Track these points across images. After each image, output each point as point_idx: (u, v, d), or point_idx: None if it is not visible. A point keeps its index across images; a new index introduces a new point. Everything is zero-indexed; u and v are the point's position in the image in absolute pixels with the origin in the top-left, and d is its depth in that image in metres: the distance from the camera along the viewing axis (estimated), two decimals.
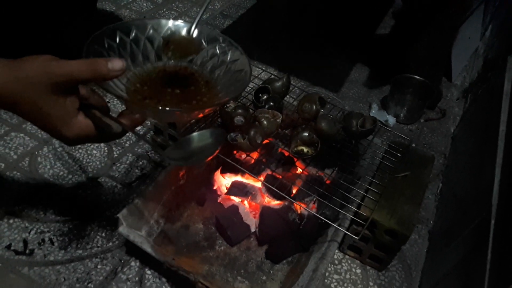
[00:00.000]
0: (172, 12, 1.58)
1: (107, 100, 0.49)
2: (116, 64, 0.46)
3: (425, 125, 1.27)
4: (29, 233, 0.83)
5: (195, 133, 0.55)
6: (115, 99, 1.13)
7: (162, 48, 0.61)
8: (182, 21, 0.60)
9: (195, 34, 0.61)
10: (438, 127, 1.26)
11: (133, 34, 0.58)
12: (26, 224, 0.85)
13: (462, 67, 1.47)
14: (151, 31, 0.59)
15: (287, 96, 1.01)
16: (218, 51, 0.60)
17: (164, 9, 1.59)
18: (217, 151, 0.56)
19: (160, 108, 0.51)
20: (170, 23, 0.60)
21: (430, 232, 0.96)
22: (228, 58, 0.59)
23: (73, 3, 1.04)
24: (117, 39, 0.56)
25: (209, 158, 0.59)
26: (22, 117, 0.46)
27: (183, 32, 0.62)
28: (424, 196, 1.02)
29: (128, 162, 1.01)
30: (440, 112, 1.31)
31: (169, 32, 0.60)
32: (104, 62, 0.45)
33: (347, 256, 0.89)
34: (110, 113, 0.51)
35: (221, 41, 0.60)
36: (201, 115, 0.62)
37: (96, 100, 0.51)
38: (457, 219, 0.88)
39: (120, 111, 0.53)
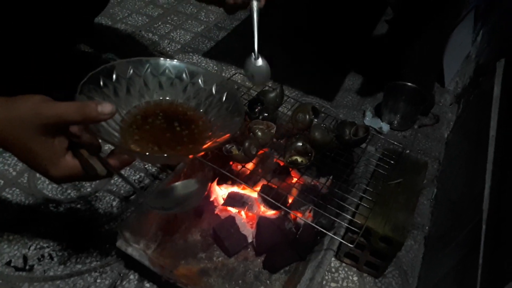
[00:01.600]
0: (167, 25, 1.60)
1: None
2: (106, 108, 0.47)
3: (419, 131, 1.28)
4: (29, 249, 0.84)
5: (178, 183, 0.57)
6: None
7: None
8: (176, 60, 0.62)
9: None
10: (432, 132, 1.28)
11: (130, 72, 0.59)
12: (26, 240, 0.86)
13: (455, 72, 1.49)
14: (148, 70, 0.61)
15: (281, 106, 1.03)
16: (214, 92, 0.62)
17: (159, 23, 1.61)
18: (202, 197, 0.57)
19: (147, 154, 0.52)
20: (168, 63, 0.62)
21: (426, 238, 0.97)
22: (224, 99, 0.61)
23: (69, 21, 1.06)
24: (114, 77, 0.57)
25: (192, 208, 0.60)
26: (12, 153, 0.48)
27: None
28: (419, 202, 1.04)
29: (125, 176, 1.02)
30: (434, 118, 1.33)
31: (166, 71, 0.62)
32: (94, 105, 0.46)
33: (344, 264, 0.90)
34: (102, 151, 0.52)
35: (217, 82, 0.62)
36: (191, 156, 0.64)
37: (88, 138, 0.52)
38: (452, 224, 0.89)
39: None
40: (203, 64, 1.42)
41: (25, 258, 0.83)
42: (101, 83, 0.55)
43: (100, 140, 0.53)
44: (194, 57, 1.45)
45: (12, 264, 0.81)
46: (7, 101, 0.46)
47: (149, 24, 1.60)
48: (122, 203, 0.96)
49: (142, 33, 1.54)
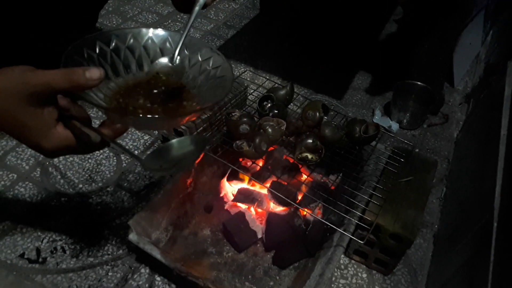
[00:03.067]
0: (177, 23, 1.61)
1: (88, 111, 0.51)
2: (94, 73, 0.45)
3: (428, 130, 1.28)
4: (42, 241, 0.86)
5: (174, 140, 0.54)
6: (95, 109, 1.14)
7: (150, 79, 0.62)
8: (162, 29, 0.60)
9: (177, 61, 0.60)
10: (441, 132, 1.28)
11: (113, 43, 0.57)
12: (39, 233, 0.87)
13: (464, 72, 1.49)
14: (131, 40, 0.59)
15: (291, 103, 1.03)
16: (200, 59, 0.60)
17: (169, 21, 1.62)
18: (199, 158, 0.55)
19: (141, 116, 0.51)
20: (151, 32, 0.60)
21: (435, 236, 0.97)
22: (210, 65, 0.59)
23: (74, 13, 1.06)
24: (97, 49, 0.56)
25: (190, 166, 0.58)
26: (1, 129, 0.46)
27: (165, 60, 0.59)
28: (429, 200, 1.03)
29: (136, 171, 1.03)
30: (443, 117, 1.33)
31: (149, 41, 0.59)
32: (82, 71, 0.45)
33: (353, 261, 0.90)
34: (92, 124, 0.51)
35: (203, 48, 0.60)
36: (184, 121, 0.62)
37: (77, 111, 0.51)
38: (461, 222, 0.89)
39: (101, 121, 0.53)
40: None
41: (38, 251, 0.84)
42: (85, 54, 0.53)
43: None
44: None
45: (25, 256, 0.83)
46: None
47: (159, 22, 1.61)
48: (133, 197, 0.97)
49: None
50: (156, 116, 0.53)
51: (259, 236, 0.88)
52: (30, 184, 0.96)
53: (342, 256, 0.91)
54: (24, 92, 0.44)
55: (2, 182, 0.96)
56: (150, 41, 0.61)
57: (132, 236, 0.77)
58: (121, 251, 0.86)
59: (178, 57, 0.60)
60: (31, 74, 0.44)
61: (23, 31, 0.97)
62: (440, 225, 0.99)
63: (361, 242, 0.75)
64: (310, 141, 0.86)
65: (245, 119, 0.87)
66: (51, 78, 0.44)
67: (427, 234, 0.97)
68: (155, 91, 0.55)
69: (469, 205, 0.89)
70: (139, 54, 0.60)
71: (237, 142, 0.85)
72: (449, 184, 1.09)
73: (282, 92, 1.00)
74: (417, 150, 1.19)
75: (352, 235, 0.79)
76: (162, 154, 0.54)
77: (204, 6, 0.68)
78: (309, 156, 0.86)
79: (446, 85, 1.46)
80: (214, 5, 1.75)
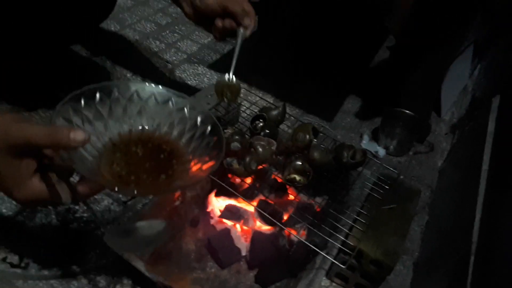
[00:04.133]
0: (175, 34, 1.63)
1: None
2: (78, 135, 0.46)
3: (414, 158, 1.31)
4: (25, 246, 0.85)
5: (140, 223, 0.57)
6: None
7: (217, 93, 0.73)
8: (165, 88, 0.63)
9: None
10: (426, 160, 1.31)
11: (116, 95, 0.59)
12: (23, 238, 0.86)
13: (451, 103, 1.53)
14: (134, 94, 0.61)
15: (282, 124, 1.06)
16: (198, 124, 0.63)
17: (167, 31, 1.64)
18: (161, 243, 0.56)
19: (117, 189, 0.52)
20: (154, 89, 0.63)
21: (415, 263, 0.99)
22: (207, 132, 0.62)
23: (75, 26, 1.08)
24: (97, 99, 0.57)
25: (150, 249, 0.59)
26: None
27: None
28: (410, 228, 1.06)
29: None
30: (429, 145, 1.36)
31: (153, 98, 0.62)
32: (66, 131, 0.45)
33: (334, 284, 0.92)
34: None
35: (203, 114, 0.63)
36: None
37: (60, 161, 0.51)
38: (440, 252, 0.92)
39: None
40: (207, 75, 1.45)
41: (21, 256, 0.83)
42: (82, 104, 0.55)
43: None
44: (199, 68, 1.48)
45: (8, 260, 0.82)
46: None
47: (157, 31, 1.63)
48: (120, 207, 0.97)
49: (150, 40, 1.56)
50: (129, 191, 0.54)
51: (243, 253, 0.89)
52: None
53: (324, 278, 0.92)
54: (4, 143, 0.45)
55: None
56: (153, 97, 0.63)
57: None
58: (105, 261, 0.86)
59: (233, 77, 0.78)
60: (15, 126, 0.45)
61: (24, 44, 0.97)
62: (420, 253, 1.01)
63: (343, 266, 0.76)
64: (299, 163, 0.88)
65: (236, 137, 0.89)
66: (34, 133, 0.45)
67: (407, 261, 1.00)
68: (157, 161, 0.57)
69: (449, 236, 0.92)
70: (140, 109, 0.61)
71: (228, 159, 0.86)
72: (431, 212, 1.12)
73: (275, 112, 1.02)
74: (402, 177, 1.22)
75: (335, 259, 0.81)
76: (126, 233, 0.56)
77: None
78: (297, 177, 0.88)
79: (433, 115, 1.50)
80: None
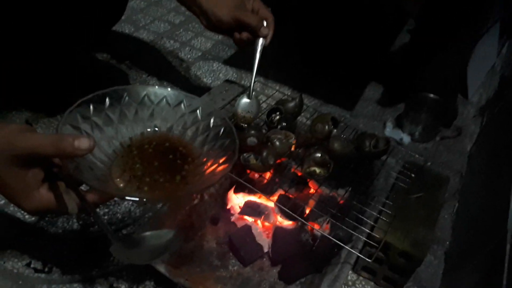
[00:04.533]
0: (189, 32, 1.62)
1: None
2: (83, 143, 0.45)
3: (441, 143, 1.26)
4: (48, 251, 0.86)
5: (148, 233, 0.55)
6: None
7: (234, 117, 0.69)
8: (177, 90, 0.62)
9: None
10: (454, 145, 1.25)
11: (126, 100, 0.58)
12: (46, 243, 0.87)
13: (479, 84, 1.46)
14: (145, 98, 0.60)
15: (300, 115, 1.02)
16: (211, 125, 0.61)
17: (181, 30, 1.63)
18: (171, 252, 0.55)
19: (127, 198, 0.50)
20: (165, 92, 0.61)
21: (446, 253, 0.94)
22: (220, 133, 0.60)
23: (88, 30, 1.08)
24: (107, 105, 0.56)
25: (158, 260, 0.63)
26: None
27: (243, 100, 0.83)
28: (440, 215, 1.01)
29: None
30: (456, 130, 1.30)
31: (164, 100, 0.61)
32: (71, 140, 0.44)
33: (361, 277, 0.88)
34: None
35: (215, 115, 0.62)
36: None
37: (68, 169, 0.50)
38: (473, 241, 0.87)
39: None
40: (223, 71, 1.43)
41: (44, 261, 0.84)
42: (91, 110, 0.54)
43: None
44: (214, 64, 1.46)
45: (32, 266, 0.83)
46: None
47: (171, 31, 1.62)
48: (140, 208, 0.96)
49: (164, 39, 1.56)
50: (135, 199, 0.52)
51: (265, 250, 0.87)
52: None
53: (350, 272, 0.89)
54: (9, 153, 0.44)
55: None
56: (164, 100, 0.61)
57: None
58: (126, 263, 0.85)
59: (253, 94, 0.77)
60: (20, 136, 0.44)
61: (39, 49, 0.98)
62: (451, 242, 0.96)
63: (369, 260, 0.73)
64: (319, 155, 0.85)
65: (252, 132, 0.86)
66: (38, 143, 0.44)
67: (438, 250, 0.95)
68: (170, 164, 0.56)
69: (482, 223, 0.87)
70: (151, 113, 0.60)
71: (244, 155, 0.84)
72: (461, 199, 1.07)
73: (291, 104, 0.99)
74: (429, 163, 1.17)
75: (360, 252, 0.77)
76: (132, 243, 0.54)
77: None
78: (317, 170, 0.85)
79: (460, 97, 1.43)
80: None
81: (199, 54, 1.51)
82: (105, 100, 0.56)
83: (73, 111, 0.52)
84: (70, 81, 1.07)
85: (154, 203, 0.85)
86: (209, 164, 0.58)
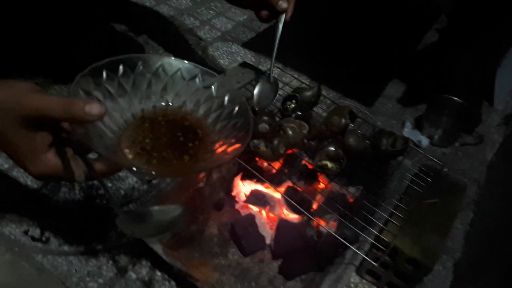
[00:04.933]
0: (210, 11, 1.58)
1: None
2: (94, 108, 0.43)
3: (460, 149, 1.20)
4: (47, 221, 0.84)
5: (155, 207, 0.53)
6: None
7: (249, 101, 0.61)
8: (193, 64, 0.59)
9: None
10: (474, 153, 1.20)
11: (140, 68, 0.56)
12: (46, 212, 0.85)
13: (506, 91, 1.39)
14: (160, 69, 0.57)
15: (317, 106, 0.98)
16: (226, 103, 0.59)
17: (203, 8, 1.59)
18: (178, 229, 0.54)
19: (134, 169, 0.48)
20: (181, 64, 0.58)
21: (456, 265, 0.90)
22: (234, 112, 0.57)
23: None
24: (120, 72, 0.54)
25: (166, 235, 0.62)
26: None
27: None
28: (453, 225, 0.97)
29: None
30: (478, 137, 1.25)
31: (179, 73, 0.58)
32: (82, 104, 0.43)
33: (364, 281, 0.85)
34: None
35: (229, 93, 0.59)
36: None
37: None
38: (487, 255, 0.83)
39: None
40: (241, 54, 1.39)
41: (42, 230, 0.83)
42: (104, 76, 0.51)
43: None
44: (233, 47, 1.42)
45: (29, 234, 0.81)
46: None
47: (192, 8, 1.58)
48: (144, 185, 0.94)
49: (184, 16, 1.52)
50: (148, 171, 0.50)
51: (268, 242, 0.84)
52: None
53: (353, 274, 0.85)
54: (18, 113, 0.42)
55: None
56: (179, 73, 0.58)
57: None
58: (125, 240, 0.83)
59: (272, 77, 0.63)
60: (30, 96, 0.43)
61: (56, 17, 0.95)
62: (462, 254, 0.92)
63: (375, 264, 0.69)
64: (332, 148, 0.81)
65: (265, 118, 0.83)
66: (48, 104, 0.43)
67: (447, 261, 0.91)
68: (181, 140, 0.54)
69: (498, 237, 0.83)
70: (165, 84, 0.57)
71: (254, 141, 0.81)
72: (477, 210, 1.02)
73: (309, 93, 0.95)
74: (446, 169, 1.12)
75: (366, 255, 0.74)
76: (140, 217, 0.53)
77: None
78: (329, 164, 0.81)
79: (485, 104, 1.37)
80: None
81: (219, 34, 1.47)
82: (118, 67, 0.54)
83: (86, 76, 0.50)
84: (84, 49, 1.05)
85: (162, 177, 0.82)
86: (221, 142, 0.56)
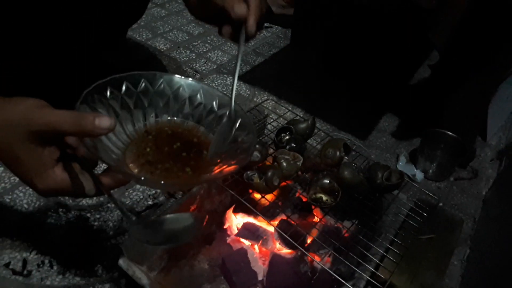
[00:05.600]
0: (206, 45, 1.60)
1: None
2: (104, 122, 0.43)
3: (455, 184, 1.20)
4: (30, 253, 0.81)
5: (170, 215, 0.53)
6: None
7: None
8: (195, 81, 0.59)
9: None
10: (469, 187, 1.19)
11: (142, 86, 0.56)
12: (29, 244, 0.82)
13: (498, 127, 1.41)
14: (162, 85, 0.58)
15: (311, 138, 0.98)
16: (228, 119, 0.58)
17: (199, 41, 1.61)
18: (192, 238, 0.54)
19: (142, 179, 0.48)
20: (183, 81, 0.59)
21: None
22: (237, 126, 0.57)
23: (102, 29, 1.05)
24: (123, 89, 0.54)
25: (181, 244, 0.59)
26: None
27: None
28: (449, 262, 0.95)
29: (141, 189, 0.98)
30: (472, 172, 1.24)
31: (181, 89, 0.59)
32: (91, 118, 0.43)
33: None
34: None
35: (233, 109, 0.58)
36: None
37: (84, 152, 0.49)
38: None
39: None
40: (236, 86, 1.40)
41: (24, 262, 0.79)
42: (108, 93, 0.52)
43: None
44: (228, 79, 1.43)
45: (10, 267, 0.78)
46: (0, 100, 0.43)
47: (188, 41, 1.60)
48: (133, 217, 0.91)
49: (180, 49, 1.54)
50: (157, 181, 0.51)
51: (260, 278, 0.81)
52: (30, 190, 0.93)
53: None
54: (26, 129, 0.42)
55: (3, 184, 0.93)
56: (181, 89, 0.59)
57: (123, 261, 0.71)
58: (110, 274, 0.80)
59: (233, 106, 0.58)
60: (38, 111, 0.43)
61: (50, 47, 0.96)
62: None
63: None
64: (327, 181, 0.80)
65: (256, 146, 0.82)
66: (58, 119, 0.43)
67: None
68: (183, 154, 0.54)
69: (497, 274, 0.80)
70: (167, 101, 0.58)
71: (248, 172, 0.80)
72: (473, 245, 1.00)
73: (303, 125, 0.94)
74: (441, 204, 1.10)
75: None
76: (155, 227, 0.52)
77: (247, 39, 0.63)
78: (324, 197, 0.80)
79: (478, 139, 1.38)
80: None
81: (214, 67, 1.49)
82: (122, 85, 0.54)
83: (90, 92, 0.50)
84: (76, 81, 1.05)
85: (169, 188, 0.83)
86: (223, 157, 0.56)
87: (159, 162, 0.52)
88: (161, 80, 0.58)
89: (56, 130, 0.43)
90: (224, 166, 0.54)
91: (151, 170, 0.51)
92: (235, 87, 0.60)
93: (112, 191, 0.49)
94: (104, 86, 0.52)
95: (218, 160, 0.56)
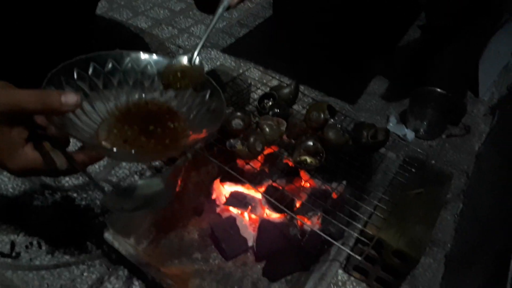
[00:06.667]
0: (189, 19, 1.57)
1: None
2: (70, 98, 0.43)
3: (447, 141, 1.18)
4: (18, 235, 0.81)
5: (141, 181, 0.53)
6: None
7: (162, 79, 0.57)
8: (161, 56, 0.58)
9: (197, 62, 0.58)
10: (462, 144, 1.18)
11: (110, 66, 0.55)
12: (17, 226, 0.82)
13: (491, 82, 1.38)
14: (129, 64, 0.57)
15: (297, 104, 0.96)
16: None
17: (181, 17, 1.58)
18: (167, 203, 0.52)
19: (115, 150, 0.47)
20: (150, 57, 0.58)
21: (447, 256, 0.87)
22: (207, 97, 0.56)
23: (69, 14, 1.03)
24: (90, 70, 0.53)
25: (157, 209, 0.59)
26: None
27: (184, 61, 0.59)
28: (442, 217, 0.94)
29: (128, 167, 0.97)
30: (464, 128, 1.23)
31: (148, 67, 0.58)
32: (57, 95, 0.42)
33: (352, 278, 0.81)
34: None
35: (205, 80, 0.57)
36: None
37: (54, 131, 0.48)
38: (478, 243, 0.80)
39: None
40: (220, 59, 1.37)
41: (12, 245, 0.79)
42: (75, 75, 0.51)
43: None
44: (213, 52, 1.40)
45: None
46: None
47: (170, 17, 1.57)
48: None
49: (163, 26, 1.51)
50: (127, 151, 0.49)
51: (250, 244, 0.81)
52: None
53: (341, 272, 0.82)
54: None
55: None
56: (149, 66, 0.58)
57: (108, 235, 0.71)
58: (100, 251, 0.80)
59: (197, 58, 0.58)
60: (3, 92, 0.42)
61: (17, 34, 0.93)
62: (453, 245, 0.89)
63: (359, 257, 0.66)
64: (310, 143, 0.79)
65: (238, 114, 0.80)
66: (23, 98, 0.42)
67: (438, 253, 0.87)
68: (151, 127, 0.52)
69: (489, 226, 0.80)
70: (135, 79, 0.57)
71: (231, 140, 0.78)
72: (466, 200, 0.99)
73: (286, 90, 0.93)
74: (433, 161, 1.09)
75: (352, 250, 0.71)
76: (127, 193, 0.52)
77: (228, 8, 0.65)
78: (308, 159, 0.79)
79: (470, 95, 1.35)
80: None
81: (198, 41, 1.45)
82: (88, 66, 0.54)
83: (57, 73, 0.49)
84: (46, 65, 1.03)
85: (142, 159, 0.80)
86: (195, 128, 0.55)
87: (132, 139, 0.51)
88: (128, 59, 0.57)
89: (22, 109, 0.42)
90: (195, 135, 0.53)
91: (124, 146, 0.50)
92: (202, 43, 0.59)
93: (94, 171, 0.48)
94: (70, 67, 0.51)
95: (190, 132, 0.55)
